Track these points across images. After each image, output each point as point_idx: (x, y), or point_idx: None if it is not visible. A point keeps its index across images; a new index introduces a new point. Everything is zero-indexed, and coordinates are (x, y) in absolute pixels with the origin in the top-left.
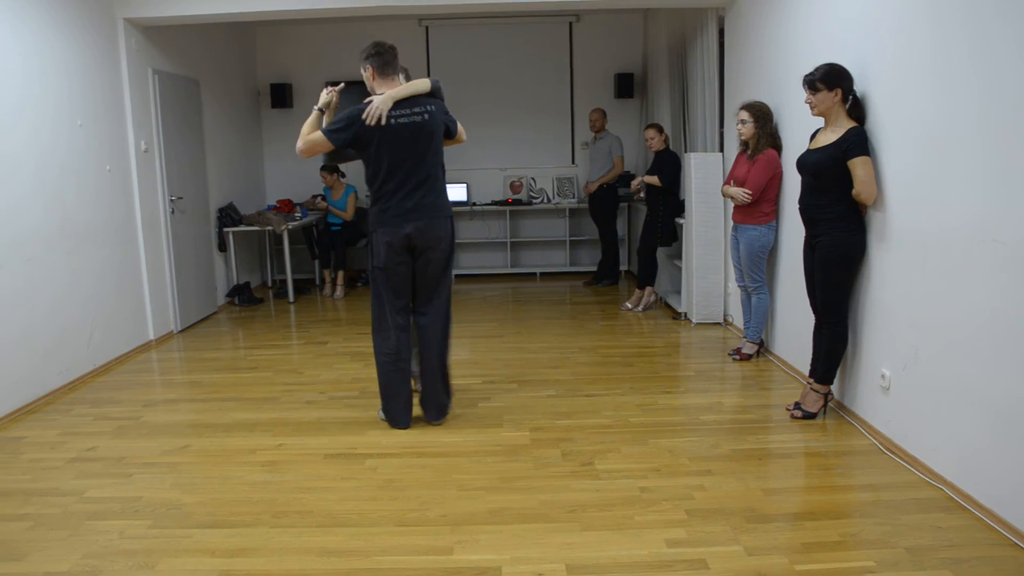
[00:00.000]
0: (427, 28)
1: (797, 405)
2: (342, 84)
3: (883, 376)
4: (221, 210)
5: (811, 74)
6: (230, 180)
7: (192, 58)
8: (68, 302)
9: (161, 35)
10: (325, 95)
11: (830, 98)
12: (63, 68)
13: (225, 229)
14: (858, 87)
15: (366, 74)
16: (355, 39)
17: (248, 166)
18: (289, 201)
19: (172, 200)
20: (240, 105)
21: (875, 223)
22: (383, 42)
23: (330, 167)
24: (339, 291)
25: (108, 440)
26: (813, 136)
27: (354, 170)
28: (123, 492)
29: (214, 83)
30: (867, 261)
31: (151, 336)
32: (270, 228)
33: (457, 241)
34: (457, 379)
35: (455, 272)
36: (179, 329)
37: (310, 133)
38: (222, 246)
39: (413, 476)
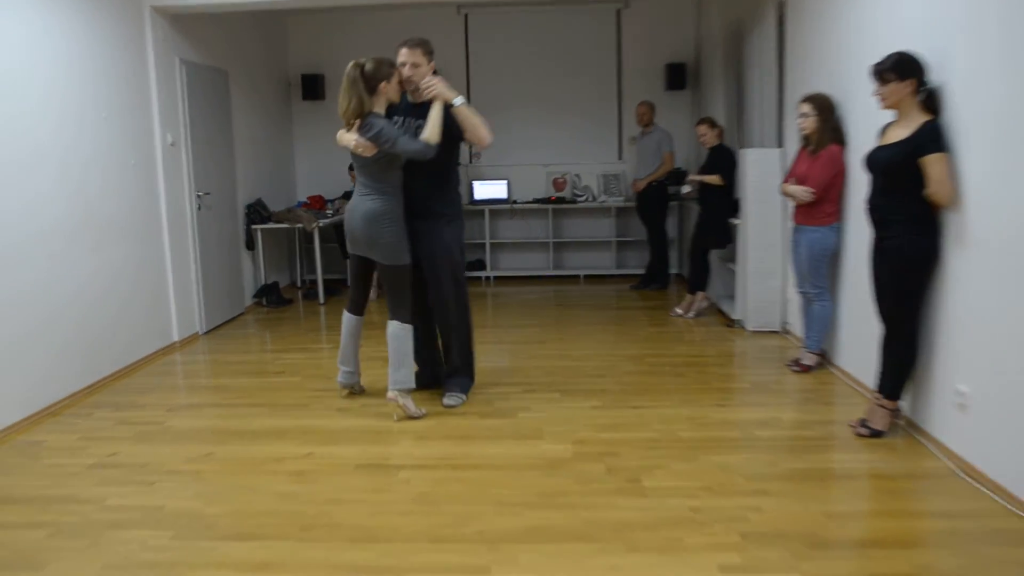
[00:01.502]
0: (466, 16)
1: (862, 422)
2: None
3: (959, 392)
4: (249, 206)
5: (880, 63)
6: (259, 175)
7: (220, 48)
8: (91, 300)
9: (189, 24)
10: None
11: (901, 89)
12: (88, 59)
13: (253, 226)
14: (933, 77)
15: (429, 67)
16: (390, 28)
17: (278, 161)
18: (320, 197)
19: (199, 196)
20: (270, 97)
21: (951, 225)
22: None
23: None
24: (372, 292)
25: (130, 446)
26: (883, 131)
27: None
28: (145, 501)
29: (243, 74)
30: (941, 266)
31: (175, 337)
32: (300, 226)
33: (496, 240)
34: (496, 387)
35: (491, 274)
36: (204, 331)
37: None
38: (250, 244)
39: (448, 490)
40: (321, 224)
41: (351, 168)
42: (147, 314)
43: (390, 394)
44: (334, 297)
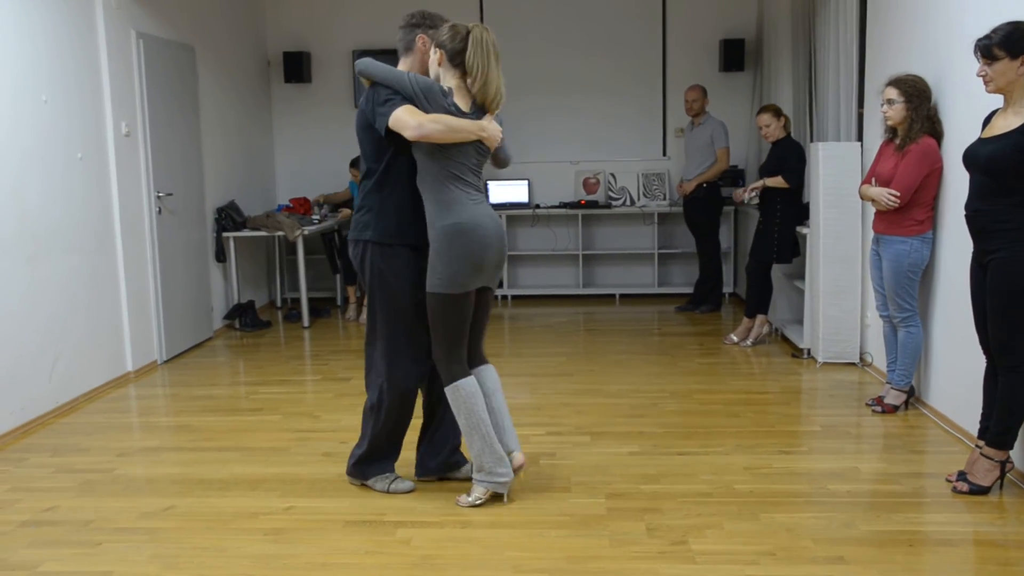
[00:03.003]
0: None
1: (962, 475)
2: None
3: None
4: (220, 210)
5: (987, 37)
6: (232, 173)
7: (186, 19)
8: (26, 322)
9: None
10: None
11: (1013, 69)
12: (25, 31)
13: (225, 234)
14: None
15: (434, 56)
16: None
17: (255, 155)
18: (305, 200)
19: (159, 197)
20: (246, 78)
21: None
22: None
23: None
24: (365, 314)
25: (71, 499)
26: (988, 120)
27: None
28: (89, 566)
29: (214, 51)
30: None
31: (129, 367)
32: (281, 234)
33: (514, 253)
34: (515, 428)
35: (508, 292)
36: (165, 359)
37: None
38: (221, 255)
39: (456, 552)
40: (306, 232)
41: (353, 164)
42: (95, 339)
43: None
44: (320, 319)
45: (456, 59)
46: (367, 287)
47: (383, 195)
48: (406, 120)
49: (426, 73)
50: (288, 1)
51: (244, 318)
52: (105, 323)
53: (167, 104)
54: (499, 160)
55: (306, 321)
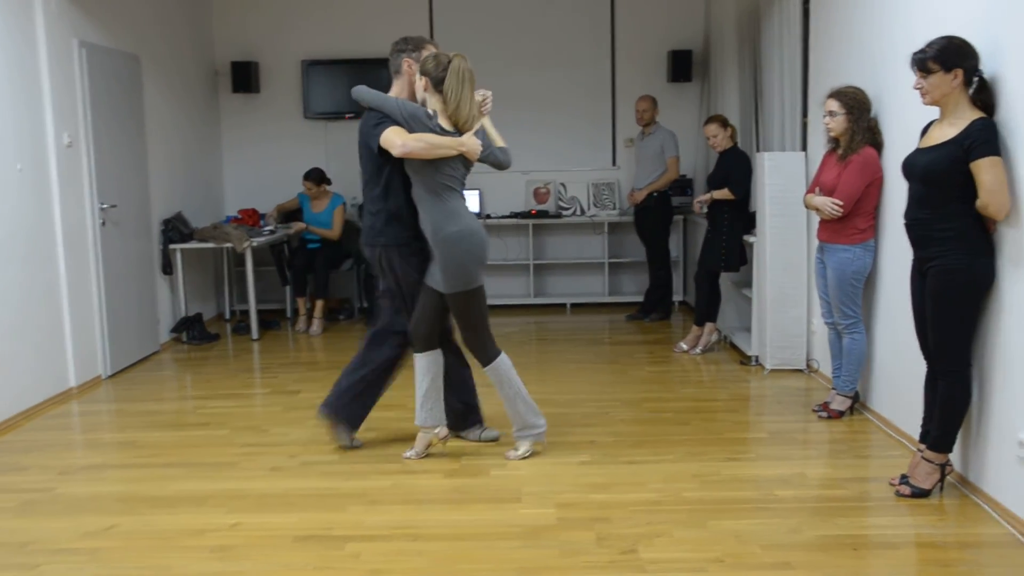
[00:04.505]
0: None
1: (904, 479)
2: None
3: (1021, 444)
4: (167, 222)
5: (921, 51)
6: (179, 184)
7: (131, 28)
8: None
9: None
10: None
11: (947, 82)
12: None
13: (172, 246)
14: (986, 67)
15: (420, 83)
16: (339, 7)
17: (202, 166)
18: (254, 211)
19: (103, 208)
20: (193, 88)
21: (1007, 243)
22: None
23: (316, 175)
24: (316, 325)
25: (9, 519)
26: (925, 131)
27: (344, 179)
28: None
29: (160, 60)
30: (996, 292)
31: (72, 383)
32: (229, 245)
33: None
34: (463, 440)
35: None
36: (109, 374)
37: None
38: (167, 268)
39: (406, 566)
40: (255, 243)
41: (307, 176)
42: (36, 354)
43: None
44: (270, 332)
45: (439, 86)
46: (390, 280)
47: (388, 204)
48: (392, 140)
49: (414, 93)
50: (236, 11)
51: (191, 331)
52: (46, 338)
53: (111, 114)
54: (498, 165)
55: (255, 334)
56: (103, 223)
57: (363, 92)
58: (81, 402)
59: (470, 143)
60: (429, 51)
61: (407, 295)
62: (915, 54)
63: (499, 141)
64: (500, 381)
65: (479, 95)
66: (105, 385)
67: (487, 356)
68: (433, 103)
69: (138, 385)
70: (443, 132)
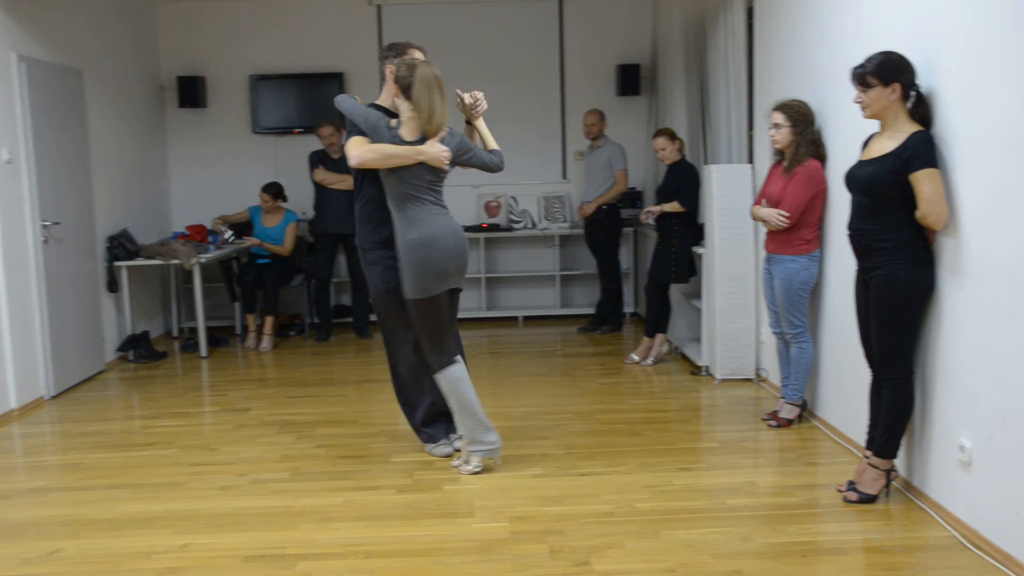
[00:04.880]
0: (379, 8)
1: (851, 485)
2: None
3: (962, 448)
4: (112, 239)
5: (861, 66)
6: (124, 200)
7: (73, 42)
8: None
9: (29, 11)
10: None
11: (886, 96)
12: None
13: (117, 263)
14: (923, 81)
15: (391, 90)
16: (286, 21)
17: (148, 182)
18: (202, 227)
19: (45, 226)
20: (138, 103)
21: (946, 253)
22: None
23: (275, 189)
24: (266, 342)
25: None
26: (866, 144)
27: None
28: None
29: (103, 75)
30: (937, 301)
31: (13, 404)
32: (176, 262)
33: None
34: (415, 454)
35: None
36: (53, 394)
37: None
38: (113, 285)
39: None
40: (203, 260)
41: (265, 189)
42: None
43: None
44: (219, 349)
45: (407, 93)
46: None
47: (361, 208)
48: (349, 150)
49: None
50: (182, 25)
51: (138, 349)
52: None
53: (53, 130)
54: (484, 167)
55: (204, 351)
56: (45, 240)
57: (340, 101)
58: (22, 424)
59: (429, 151)
60: (410, 56)
61: (373, 298)
62: (855, 69)
63: (491, 143)
64: (446, 391)
65: (469, 97)
66: (48, 406)
67: (438, 363)
68: (404, 110)
69: (82, 405)
70: (402, 142)
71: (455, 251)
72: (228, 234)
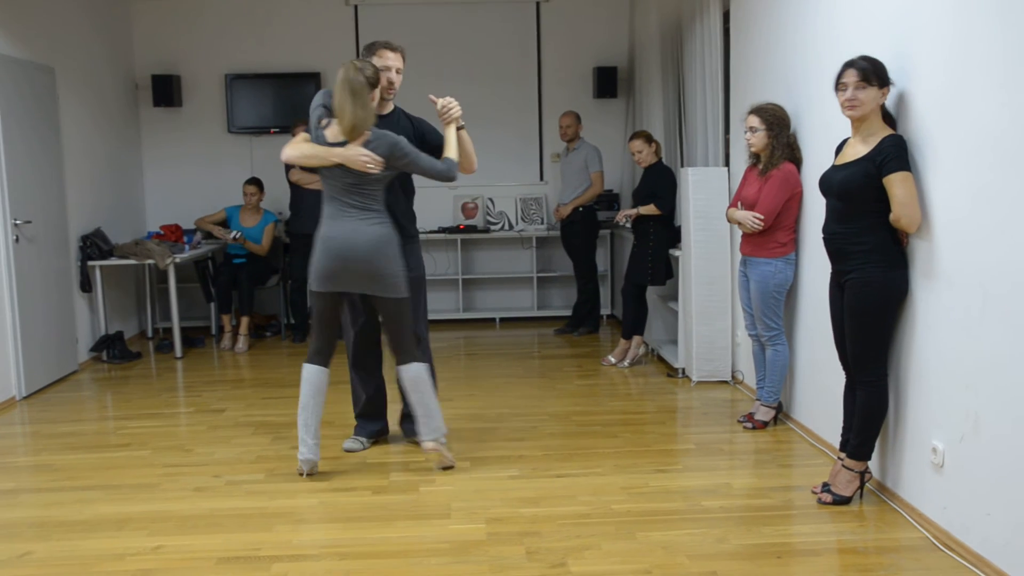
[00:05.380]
0: (356, 8)
1: (826, 487)
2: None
3: (935, 450)
4: (85, 238)
5: (863, 64)
6: (97, 199)
7: (45, 40)
8: None
9: (0, 6)
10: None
11: (876, 98)
12: None
13: (90, 263)
14: (897, 85)
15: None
16: (261, 21)
17: (122, 181)
18: (176, 227)
19: (16, 224)
20: (111, 102)
21: (919, 256)
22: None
23: (259, 182)
24: (242, 342)
25: None
26: (840, 148)
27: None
28: None
29: (76, 72)
30: (910, 304)
31: None
32: (151, 262)
33: None
34: (392, 455)
35: None
36: (24, 395)
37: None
38: (86, 285)
39: None
40: (178, 260)
41: (251, 182)
42: None
43: (429, 445)
44: (194, 349)
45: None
46: None
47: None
48: (283, 147)
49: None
50: (157, 23)
51: (112, 350)
52: None
53: (24, 128)
54: (429, 176)
55: (179, 351)
56: (16, 239)
57: (314, 98)
58: None
59: (347, 154)
60: (380, 57)
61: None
62: (859, 62)
63: (449, 152)
64: (303, 381)
65: (440, 103)
66: (20, 407)
67: (309, 353)
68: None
69: (55, 406)
70: (324, 142)
71: (342, 255)
72: (235, 232)
